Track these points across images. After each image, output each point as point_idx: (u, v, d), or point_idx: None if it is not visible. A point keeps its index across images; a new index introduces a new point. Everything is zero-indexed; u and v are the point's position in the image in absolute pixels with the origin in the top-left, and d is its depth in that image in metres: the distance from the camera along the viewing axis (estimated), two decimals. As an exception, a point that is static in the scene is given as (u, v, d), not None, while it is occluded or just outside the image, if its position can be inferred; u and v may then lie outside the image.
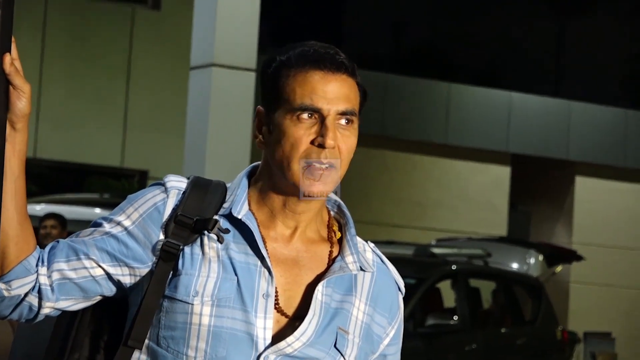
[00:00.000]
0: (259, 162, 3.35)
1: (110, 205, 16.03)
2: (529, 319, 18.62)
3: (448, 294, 17.41)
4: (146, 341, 3.21)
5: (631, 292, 35.06)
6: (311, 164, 3.15)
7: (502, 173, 33.90)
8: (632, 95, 33.94)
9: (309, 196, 3.18)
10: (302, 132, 3.16)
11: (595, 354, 33.66)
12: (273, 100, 3.25)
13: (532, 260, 22.07)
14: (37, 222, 13.48)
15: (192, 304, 3.13)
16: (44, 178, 21.21)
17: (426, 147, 31.90)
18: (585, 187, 34.65)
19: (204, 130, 15.46)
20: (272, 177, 3.26)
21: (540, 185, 34.30)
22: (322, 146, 3.14)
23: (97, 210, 15.56)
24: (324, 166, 3.15)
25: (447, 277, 17.32)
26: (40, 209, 14.93)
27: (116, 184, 23.27)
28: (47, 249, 3.24)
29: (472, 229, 30.07)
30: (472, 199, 33.25)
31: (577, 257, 25.46)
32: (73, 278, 3.19)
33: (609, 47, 35.29)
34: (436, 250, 19.37)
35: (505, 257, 21.03)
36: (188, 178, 3.32)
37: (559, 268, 26.20)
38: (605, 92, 33.89)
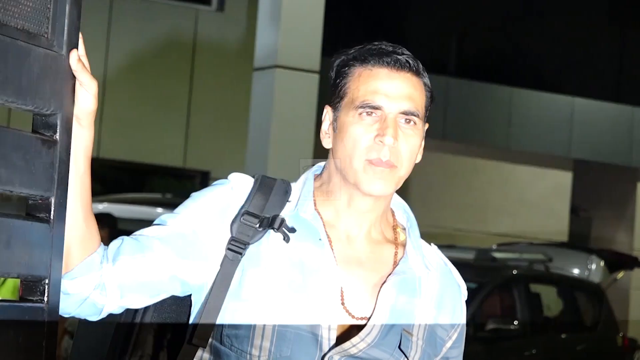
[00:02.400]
0: (324, 162, 3.39)
1: (172, 205, 16.06)
2: (590, 325, 18.51)
3: (509, 299, 17.36)
4: (210, 340, 3.20)
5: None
6: (372, 161, 3.16)
7: (564, 178, 33.79)
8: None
9: (370, 194, 3.21)
10: (363, 129, 3.20)
11: (657, 361, 33.59)
12: (338, 98, 3.30)
13: (594, 266, 21.96)
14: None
15: (257, 304, 3.15)
16: (107, 178, 21.32)
17: (488, 152, 31.85)
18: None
19: (267, 132, 15.48)
20: (338, 176, 3.28)
21: (601, 191, 34.10)
22: (382, 143, 3.16)
23: (159, 209, 15.59)
24: (384, 163, 3.17)
25: (509, 282, 17.27)
26: (102, 207, 15.00)
27: (178, 184, 23.37)
28: (112, 246, 3.24)
29: (533, 234, 29.90)
30: (533, 204, 33.14)
31: (638, 264, 25.38)
32: (138, 275, 3.19)
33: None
34: (497, 255, 19.36)
35: (566, 263, 20.94)
36: (253, 176, 3.33)
37: (620, 274, 26.08)
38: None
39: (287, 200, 3.29)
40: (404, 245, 3.32)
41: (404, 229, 3.38)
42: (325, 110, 3.37)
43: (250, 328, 3.14)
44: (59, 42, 3.42)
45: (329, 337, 3.14)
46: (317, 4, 15.78)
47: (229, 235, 3.20)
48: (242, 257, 3.20)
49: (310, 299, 3.16)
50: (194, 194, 3.37)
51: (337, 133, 3.28)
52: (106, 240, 3.31)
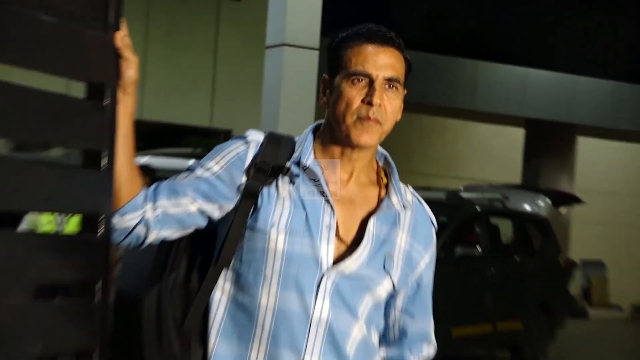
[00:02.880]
0: (322, 121, 3.45)
1: (200, 157, 16.00)
2: (538, 250, 18.61)
3: (473, 230, 17.42)
4: (232, 262, 3.31)
5: (622, 229, 34.92)
6: (361, 118, 3.25)
7: (518, 134, 33.83)
8: (622, 69, 33.70)
9: (359, 145, 3.28)
10: (354, 92, 3.28)
11: (590, 277, 33.66)
12: (334, 68, 3.37)
13: (541, 203, 22.14)
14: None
15: (269, 233, 3.25)
16: (148, 136, 21.26)
17: (457, 113, 31.89)
18: (585, 145, 34.51)
19: (277, 97, 15.43)
20: (333, 132, 3.36)
21: (548, 143, 34.11)
22: (370, 104, 3.25)
23: (191, 161, 15.54)
24: (371, 120, 3.25)
25: (473, 216, 17.34)
26: (144, 160, 14.97)
27: (205, 141, 23.25)
28: (152, 189, 3.37)
29: (493, 178, 29.99)
30: (493, 154, 33.28)
31: (577, 200, 25.48)
32: (173, 212, 3.31)
33: (602, 33, 35.03)
34: (464, 195, 19.46)
35: (519, 201, 21.11)
36: (265, 132, 3.41)
37: (563, 209, 26.15)
38: (603, 68, 33.65)
39: (292, 152, 3.36)
40: (386, 187, 3.40)
41: (387, 174, 3.45)
42: (322, 79, 3.45)
43: (264, 252, 3.25)
44: (106, 26, 3.44)
45: (327, 260, 3.23)
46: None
47: (246, 180, 3.30)
48: (256, 196, 3.29)
49: (312, 230, 3.25)
50: (217, 147, 3.49)
51: (333, 96, 3.34)
52: (147, 186, 3.39)
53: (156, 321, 3.29)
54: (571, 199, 25.41)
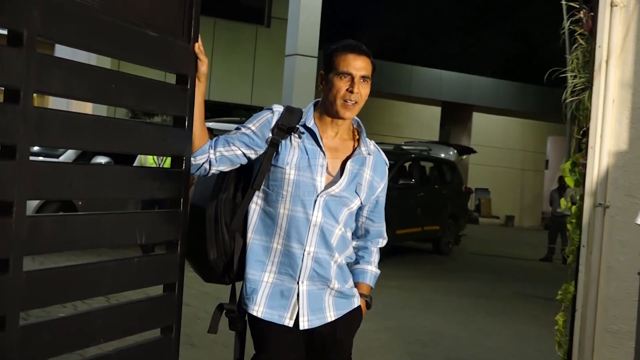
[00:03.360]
0: (319, 99, 3.48)
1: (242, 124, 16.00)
2: (449, 181, 18.60)
3: (409, 168, 17.39)
4: (262, 187, 3.39)
5: (500, 169, 35.02)
6: (345, 101, 3.36)
7: (437, 110, 33.80)
8: (500, 71, 33.72)
9: (343, 117, 3.41)
10: (342, 84, 3.37)
11: (480, 198, 33.79)
12: (328, 67, 3.41)
13: (451, 152, 22.06)
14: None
15: (285, 169, 3.35)
16: (212, 110, 21.20)
17: (400, 97, 31.83)
18: (478, 118, 34.57)
19: (291, 86, 15.42)
20: (326, 107, 3.42)
21: (455, 116, 34.17)
22: (351, 92, 3.35)
23: (236, 126, 15.57)
24: (351, 102, 3.37)
25: (410, 160, 17.30)
26: (209, 125, 14.97)
27: (247, 114, 23.35)
28: (213, 140, 3.45)
29: (421, 137, 29.99)
30: (422, 123, 33.21)
31: (472, 151, 25.49)
32: (226, 155, 3.42)
33: (487, 47, 34.97)
34: (404, 147, 19.39)
35: (438, 151, 21.04)
36: (284, 105, 3.50)
37: (464, 156, 26.17)
38: (488, 70, 33.65)
39: (300, 118, 3.43)
40: (358, 140, 3.50)
41: (359, 132, 3.53)
42: (320, 74, 3.47)
43: (282, 181, 3.34)
44: (188, 37, 3.37)
45: (321, 186, 3.35)
46: (315, 18, 15.65)
47: (271, 135, 3.38)
48: (278, 146, 3.37)
49: (312, 167, 3.35)
50: (254, 115, 3.50)
51: (327, 85, 3.39)
52: (211, 139, 3.42)
53: (214, 222, 3.37)
54: (469, 150, 25.41)
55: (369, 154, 3.48)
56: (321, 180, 3.35)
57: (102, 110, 17.02)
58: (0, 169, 2.53)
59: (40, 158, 11.58)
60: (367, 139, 3.53)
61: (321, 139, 3.38)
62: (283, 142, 3.37)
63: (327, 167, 3.37)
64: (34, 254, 2.75)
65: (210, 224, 3.37)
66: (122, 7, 3.03)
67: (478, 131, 34.57)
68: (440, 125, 34.09)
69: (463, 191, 19.45)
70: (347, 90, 3.33)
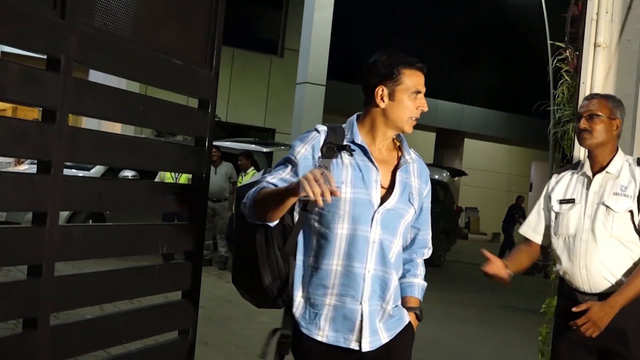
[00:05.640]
0: (359, 113, 3.09)
1: (257, 144, 15.97)
2: (442, 200, 18.53)
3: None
4: (315, 208, 2.95)
5: (488, 190, 34.99)
6: (412, 118, 3.03)
7: (432, 136, 33.80)
8: (489, 103, 33.82)
9: (407, 132, 3.07)
10: (413, 103, 3.01)
11: (469, 216, 33.74)
12: (393, 82, 3.01)
13: (444, 174, 22.03)
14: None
15: (341, 187, 2.89)
16: (228, 131, 21.19)
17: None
18: (469, 143, 34.57)
19: (301, 110, 15.43)
20: (385, 122, 3.02)
21: (449, 141, 34.14)
22: (421, 110, 3.05)
23: (252, 145, 15.50)
24: (416, 119, 3.05)
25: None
26: (228, 144, 14.94)
27: (260, 135, 23.32)
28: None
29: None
30: (418, 146, 33.07)
31: (464, 174, 25.51)
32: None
33: (478, 81, 35.05)
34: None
35: (432, 173, 21.02)
36: (327, 125, 3.07)
37: (456, 178, 26.15)
38: (478, 101, 33.73)
39: (343, 134, 3.02)
40: (400, 149, 3.10)
41: (399, 141, 3.12)
42: (381, 88, 2.98)
43: (339, 199, 2.90)
44: (210, 66, 3.36)
45: (377, 201, 2.94)
46: (325, 47, 15.65)
47: (320, 155, 2.95)
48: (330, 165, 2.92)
49: (366, 183, 2.95)
50: (300, 137, 3.07)
51: (394, 102, 2.99)
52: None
53: (265, 246, 2.92)
54: (460, 173, 25.40)
55: (412, 162, 3.15)
56: (377, 196, 2.98)
57: (129, 130, 17.04)
58: (36, 182, 2.54)
59: (74, 171, 11.59)
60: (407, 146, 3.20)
61: (371, 153, 3.01)
62: (334, 161, 2.95)
63: (380, 180, 3.01)
64: (65, 260, 2.74)
65: (261, 249, 2.93)
66: (150, 37, 3.03)
67: (469, 156, 34.58)
68: (434, 149, 34.06)
69: (454, 210, 19.39)
70: (418, 108, 3.01)
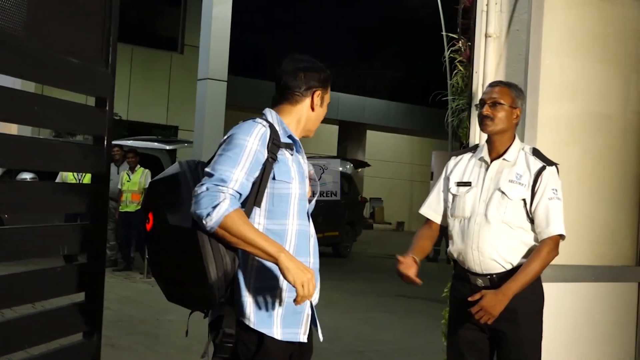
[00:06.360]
0: (271, 109, 2.93)
1: (159, 142, 15.75)
2: (347, 192, 18.65)
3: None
4: (263, 203, 2.79)
5: (391, 180, 35.51)
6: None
7: (335, 129, 34.00)
8: (392, 94, 34.33)
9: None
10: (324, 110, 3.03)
11: (374, 206, 34.17)
12: (325, 89, 3.00)
13: (348, 166, 22.17)
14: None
15: (291, 183, 2.82)
16: (130, 129, 20.78)
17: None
18: (371, 135, 34.99)
19: (203, 107, 15.33)
20: (307, 124, 2.99)
21: (351, 133, 34.46)
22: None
23: (155, 143, 15.26)
24: None
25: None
26: (129, 143, 14.65)
27: (163, 132, 22.99)
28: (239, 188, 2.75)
29: (320, 152, 30.12)
30: (322, 140, 33.31)
31: (367, 165, 25.80)
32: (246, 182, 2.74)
33: (381, 74, 35.52)
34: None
35: (336, 165, 21.05)
36: (265, 119, 2.86)
37: (360, 170, 26.45)
38: (380, 93, 34.17)
39: (278, 131, 2.84)
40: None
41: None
42: (318, 92, 2.95)
43: (289, 195, 2.81)
44: (107, 65, 3.32)
45: (308, 196, 2.93)
46: (225, 43, 15.57)
47: (266, 151, 2.77)
48: (275, 161, 2.78)
49: (304, 179, 2.89)
50: (244, 127, 2.81)
51: (321, 109, 2.98)
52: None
53: (209, 242, 2.61)
54: (364, 164, 25.69)
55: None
56: (308, 190, 2.96)
57: (26, 130, 16.56)
58: None
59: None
60: None
61: (301, 148, 2.97)
62: (280, 156, 2.82)
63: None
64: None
65: (205, 245, 2.62)
66: (44, 35, 2.97)
67: (371, 147, 35.03)
68: (337, 141, 34.33)
69: (359, 201, 19.61)
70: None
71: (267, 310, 2.78)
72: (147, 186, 3.66)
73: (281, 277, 2.69)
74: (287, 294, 2.78)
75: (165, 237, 2.74)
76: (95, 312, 3.33)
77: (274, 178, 2.78)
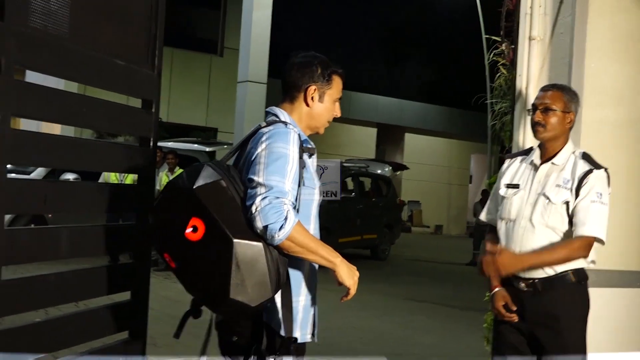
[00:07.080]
0: (278, 109, 2.92)
1: (200, 143, 15.91)
2: (385, 194, 18.63)
3: (350, 183, 17.43)
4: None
5: (430, 183, 35.33)
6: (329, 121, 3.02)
7: (373, 131, 33.95)
8: (428, 97, 34.18)
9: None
10: (336, 107, 2.98)
11: (412, 209, 34.05)
12: (327, 86, 2.95)
13: (386, 169, 22.14)
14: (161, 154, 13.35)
15: (315, 190, 2.83)
16: (170, 131, 20.93)
17: (341, 120, 31.88)
18: (409, 138, 34.84)
19: (243, 109, 15.38)
20: (310, 123, 2.97)
21: (389, 136, 34.39)
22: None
23: (195, 145, 15.44)
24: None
25: (350, 176, 17.35)
26: (170, 144, 14.79)
27: (202, 134, 23.08)
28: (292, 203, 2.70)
29: (360, 155, 30.04)
30: (360, 142, 33.27)
31: (405, 168, 25.71)
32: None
33: (417, 78, 35.38)
34: (345, 164, 19.40)
35: (375, 168, 21.09)
36: (290, 124, 2.82)
37: (398, 173, 26.37)
38: (417, 96, 34.06)
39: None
40: None
41: None
42: (314, 88, 2.90)
43: (312, 202, 2.82)
44: (152, 66, 3.34)
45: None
46: (265, 45, 15.63)
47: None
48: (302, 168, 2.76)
49: (318, 183, 2.86)
50: (282, 136, 2.74)
51: (321, 104, 2.93)
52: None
53: (269, 254, 2.56)
54: (402, 167, 25.60)
55: None
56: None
57: (69, 131, 16.78)
58: (-21, 186, 2.48)
59: (13, 175, 11.37)
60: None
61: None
62: (306, 161, 2.80)
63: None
64: (12, 264, 2.69)
65: (268, 257, 2.55)
66: (91, 37, 2.99)
67: (410, 150, 34.90)
68: (376, 144, 34.27)
69: (397, 203, 19.56)
70: (334, 113, 2.99)
71: (304, 314, 2.82)
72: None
73: (303, 284, 2.78)
74: (306, 297, 2.82)
75: (216, 249, 2.55)
76: (141, 311, 3.36)
77: (304, 184, 2.76)
